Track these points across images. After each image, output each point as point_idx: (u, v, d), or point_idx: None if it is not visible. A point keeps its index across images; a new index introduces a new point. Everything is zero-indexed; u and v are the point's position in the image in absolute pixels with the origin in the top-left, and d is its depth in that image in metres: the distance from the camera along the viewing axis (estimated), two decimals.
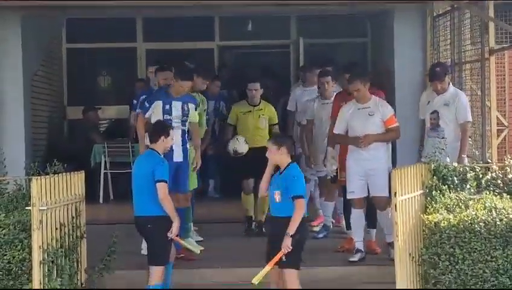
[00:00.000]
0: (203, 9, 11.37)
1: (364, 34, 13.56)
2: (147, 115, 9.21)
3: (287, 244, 7.45)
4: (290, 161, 7.82)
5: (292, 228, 7.51)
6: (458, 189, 8.28)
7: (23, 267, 7.63)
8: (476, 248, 7.63)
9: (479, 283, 7.63)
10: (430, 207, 8.01)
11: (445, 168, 8.43)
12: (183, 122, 9.26)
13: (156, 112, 9.15)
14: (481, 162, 9.04)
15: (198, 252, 8.65)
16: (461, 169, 8.49)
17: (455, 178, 8.40)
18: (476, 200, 8.04)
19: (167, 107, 9.17)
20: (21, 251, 7.64)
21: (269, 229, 8.30)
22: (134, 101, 10.39)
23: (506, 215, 7.71)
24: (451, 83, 8.84)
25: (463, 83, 10.14)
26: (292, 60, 13.91)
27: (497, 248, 7.62)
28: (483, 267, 7.63)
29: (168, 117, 9.13)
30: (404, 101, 11.11)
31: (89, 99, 12.50)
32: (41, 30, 11.84)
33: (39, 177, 7.71)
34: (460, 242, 7.62)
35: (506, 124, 10.31)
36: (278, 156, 7.75)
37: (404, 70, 11.22)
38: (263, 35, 13.99)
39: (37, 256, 7.51)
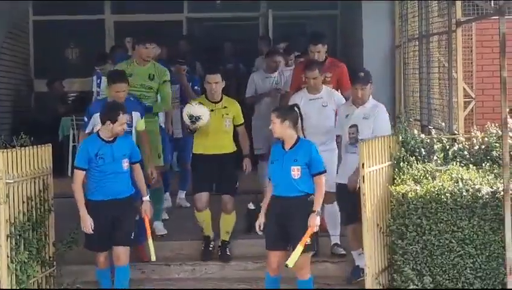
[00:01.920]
0: None
1: (334, 6, 13.55)
2: (87, 131, 8.56)
3: (315, 223, 7.26)
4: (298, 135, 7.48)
5: (318, 205, 7.34)
6: (425, 160, 8.34)
7: None
8: (442, 219, 7.72)
9: (445, 253, 7.73)
10: (397, 178, 8.07)
11: (412, 139, 8.49)
12: (126, 134, 8.29)
13: (97, 125, 8.26)
14: (448, 133, 9.09)
15: (153, 259, 8.14)
16: (428, 141, 8.55)
17: (422, 150, 8.45)
18: (442, 171, 8.10)
19: None
20: None
21: (277, 209, 7.47)
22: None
23: (472, 186, 7.78)
24: (371, 96, 8.53)
25: (430, 54, 10.18)
26: (261, 31, 13.89)
27: (463, 218, 7.70)
28: (449, 238, 7.72)
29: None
30: (372, 70, 11.07)
31: (57, 71, 12.38)
32: (6, 2, 11.72)
33: (5, 150, 7.67)
34: (427, 213, 7.70)
35: (473, 96, 10.38)
36: (283, 130, 7.40)
37: (373, 41, 11.26)
38: (232, 8, 13.92)
39: (3, 230, 7.50)
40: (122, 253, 7.85)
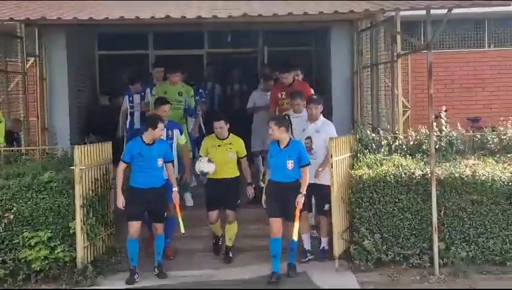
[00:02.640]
0: (195, 27, 11.33)
1: (310, 44, 13.53)
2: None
3: (301, 201, 7.32)
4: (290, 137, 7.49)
5: (304, 188, 7.39)
6: (375, 152, 8.35)
7: (69, 210, 7.64)
8: (387, 193, 7.75)
9: (390, 217, 7.76)
10: (356, 165, 8.08)
11: (366, 137, 8.49)
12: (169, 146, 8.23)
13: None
14: (391, 133, 9.10)
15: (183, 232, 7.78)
16: (377, 138, 8.55)
17: (373, 144, 8.47)
18: (387, 160, 8.11)
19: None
20: (67, 198, 7.64)
21: (277, 192, 7.45)
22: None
23: (409, 170, 7.81)
24: (322, 115, 8.32)
25: (379, 78, 10.16)
26: (259, 62, 13.83)
27: (402, 192, 7.74)
28: (392, 207, 7.76)
29: None
30: (338, 89, 11.15)
31: (115, 90, 12.34)
32: (79, 40, 11.71)
33: (79, 146, 7.70)
34: (376, 189, 7.73)
35: (409, 106, 10.37)
36: (279, 134, 7.41)
37: (338, 68, 11.25)
38: (239, 45, 13.88)
39: (78, 201, 7.51)
40: (159, 227, 7.77)
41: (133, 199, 7.60)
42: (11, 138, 9.28)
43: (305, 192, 7.39)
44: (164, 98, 8.72)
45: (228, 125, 8.16)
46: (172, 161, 7.99)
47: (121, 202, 7.60)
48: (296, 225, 7.29)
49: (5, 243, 7.58)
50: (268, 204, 7.57)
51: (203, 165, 8.01)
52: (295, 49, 13.43)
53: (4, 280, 7.52)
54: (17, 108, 10.03)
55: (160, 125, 7.72)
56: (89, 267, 7.55)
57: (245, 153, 8.26)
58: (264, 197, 7.65)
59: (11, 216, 7.56)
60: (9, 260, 7.54)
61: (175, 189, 7.84)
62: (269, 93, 9.98)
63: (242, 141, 8.28)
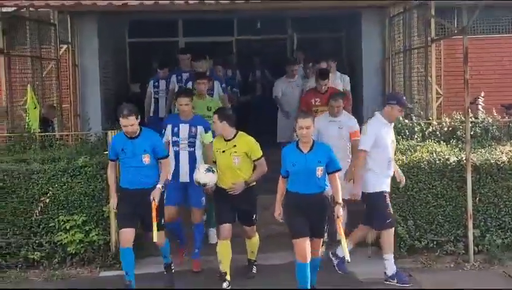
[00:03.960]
0: (225, 14, 11.32)
1: (340, 30, 13.43)
2: (164, 139, 7.37)
3: (341, 214, 6.21)
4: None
5: (340, 197, 6.23)
6: (408, 138, 8.28)
7: (103, 194, 7.68)
8: (421, 180, 7.67)
9: (423, 204, 7.69)
10: None
11: (399, 123, 8.42)
12: (191, 144, 7.40)
13: (166, 134, 7.47)
14: (425, 119, 9.01)
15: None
16: (410, 125, 8.47)
17: (406, 131, 8.40)
18: (421, 146, 8.04)
19: (175, 129, 7.41)
20: (101, 182, 7.69)
21: (302, 206, 6.19)
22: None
23: (443, 156, 7.73)
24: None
25: (411, 64, 10.07)
26: (288, 50, 13.81)
27: (436, 179, 7.66)
28: (426, 193, 7.69)
29: (176, 139, 7.40)
30: (369, 78, 11.05)
31: (145, 78, 12.37)
32: (110, 28, 11.75)
33: (112, 130, 7.73)
34: (410, 175, 7.64)
35: (441, 93, 10.23)
36: (310, 133, 6.24)
37: (369, 54, 11.15)
38: (268, 32, 13.84)
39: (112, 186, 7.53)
40: (155, 237, 6.55)
41: (122, 201, 6.69)
42: (46, 124, 9.36)
43: (341, 201, 6.26)
44: (187, 88, 8.14)
45: (226, 122, 6.75)
46: (167, 157, 6.80)
47: (112, 203, 6.78)
48: (344, 242, 6.20)
49: (41, 226, 7.67)
50: (291, 221, 6.27)
51: (200, 175, 6.85)
52: (323, 35, 13.36)
53: (40, 262, 7.63)
54: (50, 94, 10.12)
55: (125, 120, 6.45)
56: None
57: (259, 154, 6.81)
58: (279, 211, 6.39)
59: (47, 200, 7.64)
60: (46, 243, 7.64)
61: (159, 186, 6.57)
62: (294, 79, 9.86)
63: (252, 139, 6.85)
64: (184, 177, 7.39)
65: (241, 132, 6.88)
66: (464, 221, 7.57)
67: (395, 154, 7.76)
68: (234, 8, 8.22)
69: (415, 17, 10.02)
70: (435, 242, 7.64)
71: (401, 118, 8.62)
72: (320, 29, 13.10)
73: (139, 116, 6.61)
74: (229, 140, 6.79)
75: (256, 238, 7.22)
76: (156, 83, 10.07)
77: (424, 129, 8.44)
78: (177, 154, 7.42)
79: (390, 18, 10.83)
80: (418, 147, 7.96)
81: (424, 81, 9.44)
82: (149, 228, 6.53)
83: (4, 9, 8.75)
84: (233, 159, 6.73)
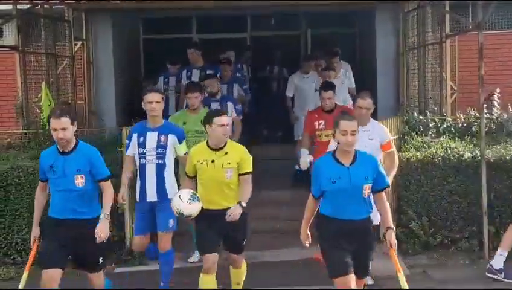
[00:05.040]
0: (238, 10, 11.31)
1: (354, 26, 13.36)
2: (128, 153, 6.49)
3: (394, 241, 5.03)
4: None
5: (391, 220, 5.08)
6: (423, 134, 8.25)
7: (117, 190, 7.63)
8: (435, 176, 7.65)
9: (438, 200, 7.66)
10: (403, 147, 7.99)
11: (413, 119, 8.39)
12: (160, 155, 6.29)
13: (132, 145, 6.45)
14: (439, 115, 8.96)
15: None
16: (425, 120, 8.44)
17: (420, 127, 8.37)
18: (435, 142, 8.01)
19: (141, 139, 6.34)
20: (115, 179, 7.64)
21: (341, 233, 4.95)
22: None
23: (457, 152, 7.69)
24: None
25: (425, 59, 10.01)
26: (302, 45, 13.77)
27: (450, 175, 7.63)
28: (440, 189, 7.66)
29: (142, 150, 6.32)
30: (383, 72, 10.99)
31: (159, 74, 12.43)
32: (125, 25, 11.78)
33: (126, 127, 7.75)
34: (424, 171, 7.62)
35: (456, 89, 10.18)
36: (356, 140, 4.93)
37: (383, 50, 11.07)
38: (282, 28, 13.80)
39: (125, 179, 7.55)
40: (93, 279, 5.64)
41: (47, 234, 5.43)
42: None
43: (393, 225, 5.11)
44: (196, 83, 7.63)
45: (233, 114, 6.50)
46: (108, 178, 5.52)
47: (33, 235, 5.55)
48: (402, 277, 5.02)
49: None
50: (330, 256, 5.01)
51: (183, 206, 5.57)
52: (336, 31, 13.31)
53: None
54: (65, 91, 10.17)
55: (56, 121, 5.22)
56: None
57: (250, 167, 5.75)
58: (306, 236, 5.28)
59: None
60: None
61: (103, 216, 5.32)
62: (309, 75, 9.72)
63: (243, 147, 5.86)
64: (151, 195, 6.31)
65: (230, 140, 5.88)
66: (479, 217, 7.51)
67: (409, 150, 7.75)
68: (247, 5, 8.20)
69: (429, 13, 9.95)
70: (449, 239, 7.61)
71: (415, 114, 8.61)
72: (334, 25, 13.04)
73: (76, 124, 5.39)
74: (219, 148, 5.69)
75: (244, 267, 6.12)
76: (166, 79, 9.97)
77: (439, 125, 8.41)
78: (143, 169, 6.35)
79: (404, 14, 10.76)
80: (433, 143, 7.94)
81: (439, 77, 9.37)
82: (88, 268, 5.53)
83: (19, 7, 8.80)
84: (225, 172, 5.64)
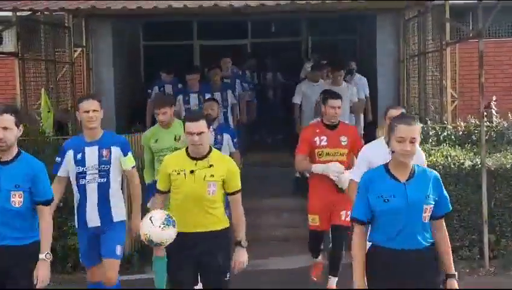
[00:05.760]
0: (239, 16, 11.29)
1: (355, 33, 13.37)
2: (60, 174, 5.52)
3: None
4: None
5: (452, 262, 4.07)
6: (423, 142, 8.21)
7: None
8: None
9: None
10: None
11: None
12: (103, 173, 5.35)
13: (65, 163, 5.48)
14: (439, 123, 8.94)
15: None
16: (425, 128, 8.41)
17: (421, 134, 8.29)
18: (436, 150, 7.97)
19: (79, 156, 5.37)
20: None
21: (399, 269, 3.90)
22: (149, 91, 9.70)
23: (458, 160, 7.65)
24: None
25: (426, 67, 10.00)
26: (303, 52, 13.77)
27: (451, 183, 7.55)
28: None
29: (81, 169, 5.36)
30: (383, 79, 10.98)
31: (160, 79, 12.44)
32: (125, 32, 11.79)
33: (126, 134, 7.72)
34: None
35: (456, 96, 10.18)
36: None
37: (384, 57, 11.05)
38: (282, 34, 13.81)
39: (126, 190, 7.54)
40: None
41: None
42: (60, 128, 9.39)
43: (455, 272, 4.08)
44: (164, 97, 6.96)
45: (212, 134, 5.58)
46: (49, 202, 4.49)
47: None
48: None
49: (54, 230, 7.65)
50: None
51: (154, 231, 4.44)
52: (337, 38, 13.31)
53: (53, 267, 7.59)
54: (64, 98, 10.16)
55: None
56: (135, 255, 7.60)
57: (239, 186, 4.77)
58: (362, 284, 3.94)
59: (61, 204, 7.63)
60: (59, 247, 7.63)
61: (41, 256, 4.39)
62: (318, 83, 9.47)
63: (231, 159, 4.95)
64: (93, 220, 5.39)
65: (215, 149, 4.93)
66: (479, 226, 7.47)
67: None
68: (247, 10, 8.19)
69: (430, 20, 9.95)
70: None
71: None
72: (335, 32, 13.05)
73: (21, 128, 4.47)
74: (200, 157, 4.67)
75: None
76: (162, 88, 9.76)
77: (439, 133, 8.38)
78: (82, 190, 5.38)
79: (405, 21, 10.76)
80: (433, 151, 7.90)
81: (439, 85, 9.36)
82: None
83: (19, 13, 8.80)
84: (207, 187, 4.61)
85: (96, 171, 5.37)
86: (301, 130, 8.50)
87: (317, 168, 6.10)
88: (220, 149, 6.48)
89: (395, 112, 5.32)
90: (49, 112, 8.89)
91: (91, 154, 5.37)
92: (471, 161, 7.58)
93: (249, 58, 12.52)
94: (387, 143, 3.99)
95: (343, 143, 6.19)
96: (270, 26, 13.87)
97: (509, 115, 8.66)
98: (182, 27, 13.05)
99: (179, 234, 4.57)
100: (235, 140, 7.16)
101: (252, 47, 13.57)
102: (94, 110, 5.37)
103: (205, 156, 4.72)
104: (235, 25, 13.10)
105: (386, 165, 4.03)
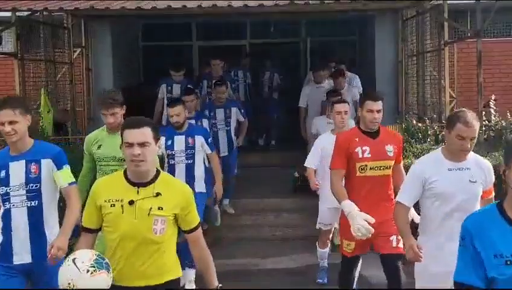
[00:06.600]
0: (238, 17, 11.32)
1: (354, 34, 13.40)
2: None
3: None
4: None
5: None
6: (422, 142, 8.24)
7: None
8: None
9: None
10: (402, 155, 7.95)
11: (412, 127, 8.38)
12: (31, 193, 4.26)
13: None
14: (438, 122, 8.97)
15: None
16: (424, 127, 8.44)
17: (419, 134, 8.35)
18: (434, 149, 7.98)
19: (3, 173, 4.33)
20: None
21: None
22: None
23: None
24: None
25: (424, 66, 10.03)
26: (302, 53, 13.80)
27: None
28: None
29: (4, 189, 4.30)
30: (382, 79, 11.01)
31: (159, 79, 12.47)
32: (124, 32, 11.82)
33: None
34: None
35: (454, 96, 10.18)
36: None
37: (383, 57, 11.09)
38: (281, 35, 13.83)
39: None
40: None
41: None
42: (59, 128, 9.40)
43: None
44: (111, 96, 5.44)
45: (160, 147, 4.60)
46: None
47: None
48: None
49: None
50: None
51: (79, 277, 3.22)
52: (336, 38, 13.33)
53: None
54: (64, 98, 10.18)
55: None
56: None
57: (196, 221, 3.57)
58: None
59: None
60: None
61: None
62: (323, 85, 9.28)
63: (187, 187, 3.62)
64: (23, 255, 4.30)
65: (164, 172, 3.69)
66: None
67: (408, 158, 7.74)
68: (246, 11, 8.21)
69: (428, 20, 9.98)
70: None
71: (414, 121, 8.61)
72: (334, 32, 13.08)
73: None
74: (145, 183, 3.45)
75: None
76: (169, 87, 9.40)
77: (438, 132, 8.39)
78: (6, 217, 4.33)
79: (403, 21, 10.79)
80: (431, 150, 7.90)
81: (438, 84, 9.39)
82: None
83: (18, 14, 8.82)
84: (153, 224, 3.40)
85: (24, 192, 4.27)
86: (306, 134, 8.65)
87: (345, 208, 4.88)
88: (193, 154, 6.36)
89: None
90: (48, 112, 8.90)
91: (16, 171, 4.28)
92: None
93: (245, 57, 12.53)
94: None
95: (389, 153, 5.08)
96: (269, 27, 13.89)
97: (508, 114, 8.67)
98: (181, 28, 13.08)
99: (115, 289, 3.38)
100: (209, 140, 6.65)
101: (250, 48, 13.59)
102: (11, 122, 4.21)
103: (150, 181, 3.46)
104: (234, 26, 13.13)
105: (499, 205, 2.80)
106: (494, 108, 8.63)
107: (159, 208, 3.42)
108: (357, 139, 5.07)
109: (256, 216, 8.63)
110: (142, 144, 3.39)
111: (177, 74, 9.15)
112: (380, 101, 5.10)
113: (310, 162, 6.56)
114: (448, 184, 4.21)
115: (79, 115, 10.49)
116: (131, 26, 12.42)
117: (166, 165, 6.42)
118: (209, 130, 7.36)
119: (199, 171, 6.56)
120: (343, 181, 5.11)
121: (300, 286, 6.81)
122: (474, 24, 10.92)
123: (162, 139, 6.10)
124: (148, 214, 3.42)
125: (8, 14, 9.02)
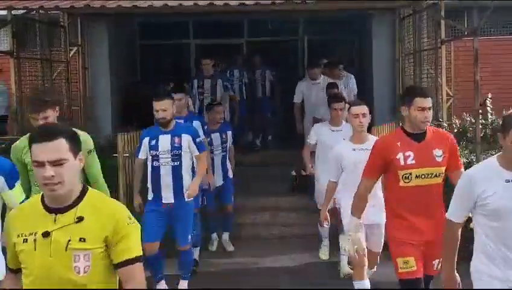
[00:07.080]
0: (235, 16, 11.32)
1: (352, 32, 13.39)
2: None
3: None
4: None
5: None
6: None
7: (112, 197, 7.67)
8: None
9: None
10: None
11: None
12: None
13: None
14: (435, 121, 8.95)
15: None
16: None
17: None
18: None
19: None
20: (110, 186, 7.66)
21: None
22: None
23: None
24: None
25: (421, 65, 10.02)
26: (299, 51, 13.79)
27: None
28: None
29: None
30: (379, 77, 10.99)
31: (156, 80, 12.41)
32: (121, 31, 11.79)
33: (122, 133, 7.75)
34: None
35: (451, 94, 10.17)
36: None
37: (380, 56, 11.09)
38: (279, 33, 13.81)
39: (122, 186, 7.59)
40: None
41: None
42: None
43: None
44: (42, 98, 4.89)
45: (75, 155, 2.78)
46: None
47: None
48: None
49: None
50: None
51: None
52: (335, 37, 13.32)
53: None
54: (60, 97, 10.15)
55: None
56: None
57: (133, 251, 2.73)
58: None
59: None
60: None
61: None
62: (318, 81, 9.25)
63: (122, 206, 2.86)
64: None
65: (94, 190, 2.87)
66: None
67: None
68: (243, 9, 8.19)
69: (425, 18, 9.97)
70: None
71: None
72: (332, 31, 13.07)
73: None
74: (64, 208, 2.74)
75: None
76: (201, 82, 9.62)
77: None
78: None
79: (400, 20, 10.78)
80: None
81: (434, 83, 9.38)
82: None
83: (14, 12, 8.80)
84: (73, 260, 2.67)
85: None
86: (302, 130, 8.74)
87: (351, 225, 4.58)
88: (179, 155, 5.78)
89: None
90: None
91: None
92: (467, 159, 7.58)
93: (241, 55, 12.50)
94: None
95: (438, 159, 4.40)
96: (267, 25, 13.87)
97: (504, 112, 8.66)
98: (178, 26, 13.05)
99: None
100: (197, 140, 6.04)
101: (247, 46, 13.57)
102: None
103: (72, 205, 2.73)
104: (231, 24, 13.10)
105: None
106: (491, 106, 8.62)
107: (80, 240, 2.65)
108: (398, 144, 4.36)
109: (254, 215, 8.62)
110: (56, 162, 2.63)
111: (208, 66, 9.41)
112: (430, 98, 4.45)
113: (333, 175, 5.67)
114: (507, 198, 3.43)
115: (76, 114, 10.47)
116: (128, 24, 12.40)
117: (149, 167, 5.96)
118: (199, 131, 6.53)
119: (187, 177, 5.87)
120: (385, 192, 4.57)
121: (300, 286, 6.80)
122: (470, 22, 10.93)
123: (146, 139, 5.90)
124: (66, 248, 2.64)
125: (4, 12, 9.01)
